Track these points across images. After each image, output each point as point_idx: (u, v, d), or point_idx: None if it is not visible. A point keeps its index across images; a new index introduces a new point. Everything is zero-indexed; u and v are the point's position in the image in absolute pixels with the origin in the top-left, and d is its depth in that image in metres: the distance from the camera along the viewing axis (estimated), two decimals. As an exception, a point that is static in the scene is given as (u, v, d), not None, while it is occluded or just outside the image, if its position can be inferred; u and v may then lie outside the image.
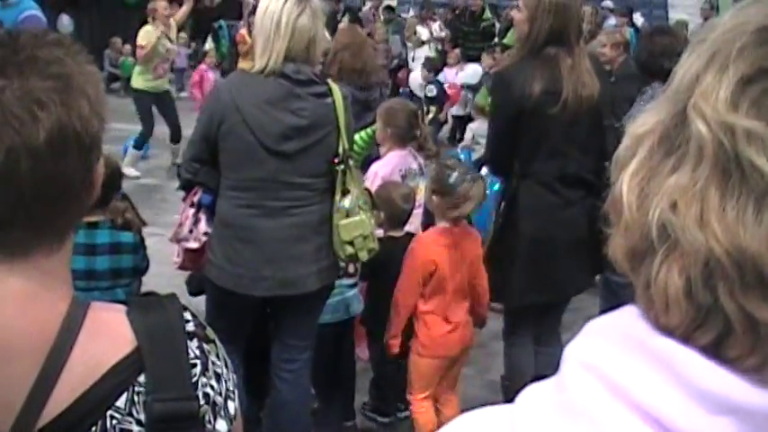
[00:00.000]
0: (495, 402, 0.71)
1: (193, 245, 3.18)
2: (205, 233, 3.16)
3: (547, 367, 3.75)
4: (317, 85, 3.07)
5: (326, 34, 3.56)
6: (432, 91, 10.47)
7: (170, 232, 3.35)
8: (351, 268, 3.53)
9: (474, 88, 9.95)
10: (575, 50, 3.31)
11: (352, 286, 3.84)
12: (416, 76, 11.26)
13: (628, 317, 0.64)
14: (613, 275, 4.26)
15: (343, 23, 12.30)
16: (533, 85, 3.24)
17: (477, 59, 10.93)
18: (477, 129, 8.10)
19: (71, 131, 0.97)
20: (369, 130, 4.37)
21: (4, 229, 0.98)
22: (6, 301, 0.99)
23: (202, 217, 3.17)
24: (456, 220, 3.50)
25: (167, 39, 8.67)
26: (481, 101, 8.40)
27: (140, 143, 8.80)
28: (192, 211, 3.18)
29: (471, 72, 10.73)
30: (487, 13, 13.45)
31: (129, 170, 8.40)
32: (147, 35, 8.50)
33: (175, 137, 8.96)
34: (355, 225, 3.11)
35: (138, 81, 8.69)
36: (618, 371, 0.60)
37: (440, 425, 3.01)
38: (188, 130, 3.65)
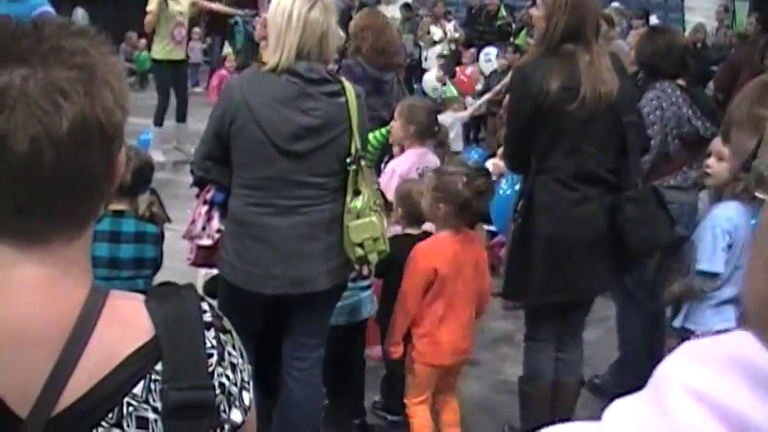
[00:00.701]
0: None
1: (206, 242, 3.18)
2: (218, 230, 3.16)
3: (566, 372, 3.72)
4: (329, 83, 3.04)
5: (340, 30, 3.53)
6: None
7: (182, 228, 3.35)
8: (365, 271, 3.52)
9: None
10: (592, 47, 3.29)
11: (366, 288, 3.83)
12: (430, 77, 11.22)
13: (744, 344, 0.60)
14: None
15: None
16: (551, 81, 3.23)
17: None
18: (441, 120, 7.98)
19: (94, 122, 0.97)
20: (383, 130, 4.37)
21: (24, 216, 0.98)
22: (25, 288, 0.99)
23: (215, 214, 3.16)
24: (459, 227, 3.45)
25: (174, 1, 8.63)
26: (447, 93, 8.35)
27: (160, 120, 8.80)
28: (204, 208, 3.18)
29: (492, 56, 10.70)
30: (503, 12, 13.43)
31: (156, 153, 8.39)
32: (152, 2, 8.52)
33: (181, 113, 8.94)
34: (365, 227, 3.07)
35: (158, 51, 8.68)
36: (734, 401, 0.57)
37: (437, 429, 2.98)
38: (200, 125, 3.65)
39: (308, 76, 2.96)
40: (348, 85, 3.11)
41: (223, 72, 10.44)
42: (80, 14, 13.47)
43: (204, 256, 3.25)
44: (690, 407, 0.58)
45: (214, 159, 3.10)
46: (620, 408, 0.64)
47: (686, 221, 4.05)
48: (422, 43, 13.25)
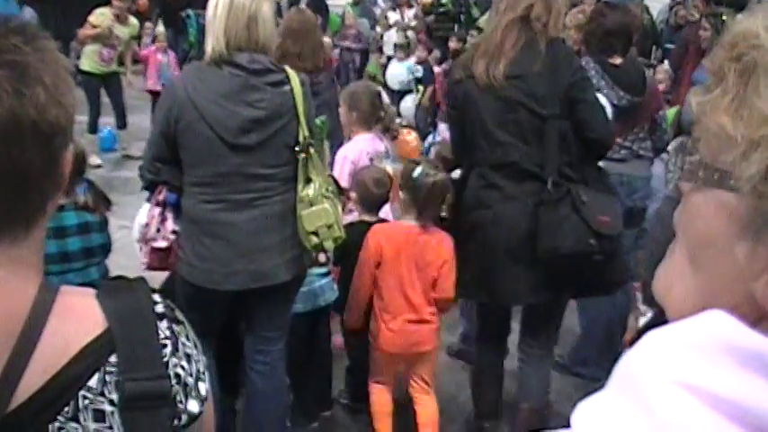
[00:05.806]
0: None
1: (162, 244, 3.12)
2: (173, 231, 3.11)
3: (524, 395, 3.66)
4: (273, 73, 3.01)
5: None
6: (418, 71, 10.35)
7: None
8: (322, 258, 3.50)
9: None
10: (495, 32, 3.28)
11: (324, 275, 3.82)
12: (394, 71, 11.19)
13: (723, 325, 0.56)
14: None
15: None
16: (471, 68, 3.26)
17: (445, 40, 10.95)
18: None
19: (26, 120, 0.95)
20: (319, 119, 4.28)
21: None
22: None
23: (169, 215, 3.11)
24: (421, 219, 3.43)
25: (119, 23, 8.67)
26: (371, 69, 8.37)
27: (93, 128, 8.85)
28: (157, 210, 3.12)
29: None
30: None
31: (93, 158, 8.34)
32: (100, 16, 8.55)
33: (121, 122, 9.09)
34: (318, 215, 3.07)
35: (85, 63, 8.64)
36: (726, 387, 0.53)
37: (417, 421, 2.93)
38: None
39: (251, 68, 2.93)
40: (292, 73, 3.07)
41: (152, 48, 10.03)
42: (28, 14, 13.22)
43: (159, 259, 3.19)
44: (679, 400, 0.54)
45: (163, 160, 3.05)
46: (589, 411, 0.59)
47: (627, 193, 4.27)
48: (379, 28, 13.25)
